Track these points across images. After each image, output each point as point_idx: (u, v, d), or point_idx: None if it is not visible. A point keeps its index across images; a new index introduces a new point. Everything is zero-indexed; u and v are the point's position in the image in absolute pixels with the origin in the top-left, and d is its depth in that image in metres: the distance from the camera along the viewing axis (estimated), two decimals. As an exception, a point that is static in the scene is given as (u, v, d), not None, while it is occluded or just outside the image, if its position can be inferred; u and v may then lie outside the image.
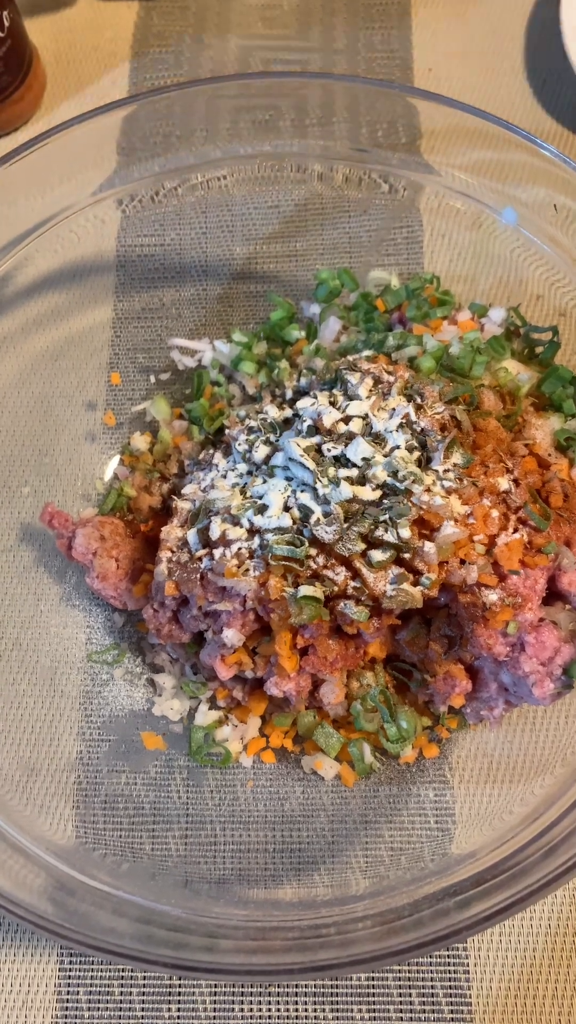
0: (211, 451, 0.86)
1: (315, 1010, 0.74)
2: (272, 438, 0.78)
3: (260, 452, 0.77)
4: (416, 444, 0.73)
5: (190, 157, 0.93)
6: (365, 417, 0.74)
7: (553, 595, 0.73)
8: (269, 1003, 0.74)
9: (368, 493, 0.70)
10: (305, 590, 0.70)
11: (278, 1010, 0.74)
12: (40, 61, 1.12)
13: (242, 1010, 0.74)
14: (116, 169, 0.91)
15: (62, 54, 1.16)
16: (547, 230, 0.84)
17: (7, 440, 0.89)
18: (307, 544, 0.71)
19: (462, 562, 0.70)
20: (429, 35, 1.15)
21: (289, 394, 0.83)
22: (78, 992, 0.75)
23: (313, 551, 0.71)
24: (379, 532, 0.69)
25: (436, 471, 0.72)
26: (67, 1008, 0.75)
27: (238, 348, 0.91)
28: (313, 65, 1.13)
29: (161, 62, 1.15)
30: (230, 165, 0.94)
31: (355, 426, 0.73)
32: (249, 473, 0.77)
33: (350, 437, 0.73)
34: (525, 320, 0.86)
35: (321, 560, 0.71)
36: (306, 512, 0.71)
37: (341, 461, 0.73)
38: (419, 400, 0.75)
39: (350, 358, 0.79)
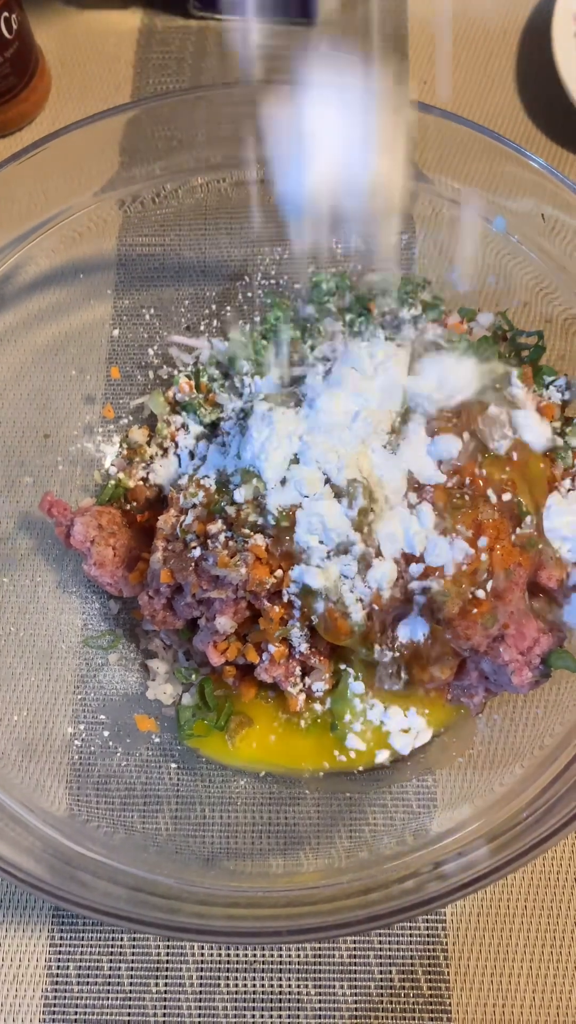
0: (206, 444, 0.89)
1: (298, 986, 0.77)
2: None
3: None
4: None
5: (191, 161, 0.95)
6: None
7: (533, 586, 0.76)
8: (254, 979, 0.77)
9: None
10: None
11: (262, 985, 0.77)
12: (46, 63, 1.15)
13: (227, 985, 0.77)
14: (118, 171, 0.94)
15: (67, 57, 1.19)
16: (535, 239, 0.87)
17: (8, 431, 0.92)
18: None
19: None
20: (424, 49, 1.18)
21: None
22: (68, 967, 0.78)
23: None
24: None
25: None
26: (57, 983, 0.77)
27: (235, 346, 0.93)
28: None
29: (164, 67, 1.18)
30: (229, 169, 0.96)
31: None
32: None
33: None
34: (512, 325, 0.89)
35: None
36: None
37: None
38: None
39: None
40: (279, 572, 0.75)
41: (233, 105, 0.94)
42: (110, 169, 0.93)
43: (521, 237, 0.88)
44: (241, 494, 0.76)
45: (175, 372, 0.96)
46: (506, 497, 0.72)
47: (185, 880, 0.68)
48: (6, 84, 1.08)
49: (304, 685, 0.79)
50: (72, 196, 0.92)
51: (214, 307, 0.99)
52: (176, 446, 0.92)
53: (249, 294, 0.99)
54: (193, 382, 0.94)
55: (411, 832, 0.74)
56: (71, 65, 1.19)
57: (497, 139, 0.85)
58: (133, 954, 0.78)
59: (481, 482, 0.72)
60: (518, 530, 0.73)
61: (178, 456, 0.91)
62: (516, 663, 0.73)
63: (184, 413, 0.93)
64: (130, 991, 0.77)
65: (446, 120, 0.88)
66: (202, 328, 0.98)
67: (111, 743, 0.81)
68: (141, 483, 0.92)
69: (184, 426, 0.93)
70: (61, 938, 0.78)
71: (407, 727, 0.78)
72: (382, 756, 0.78)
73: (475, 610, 0.70)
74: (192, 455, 0.90)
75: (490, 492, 0.72)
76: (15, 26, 1.05)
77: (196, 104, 0.91)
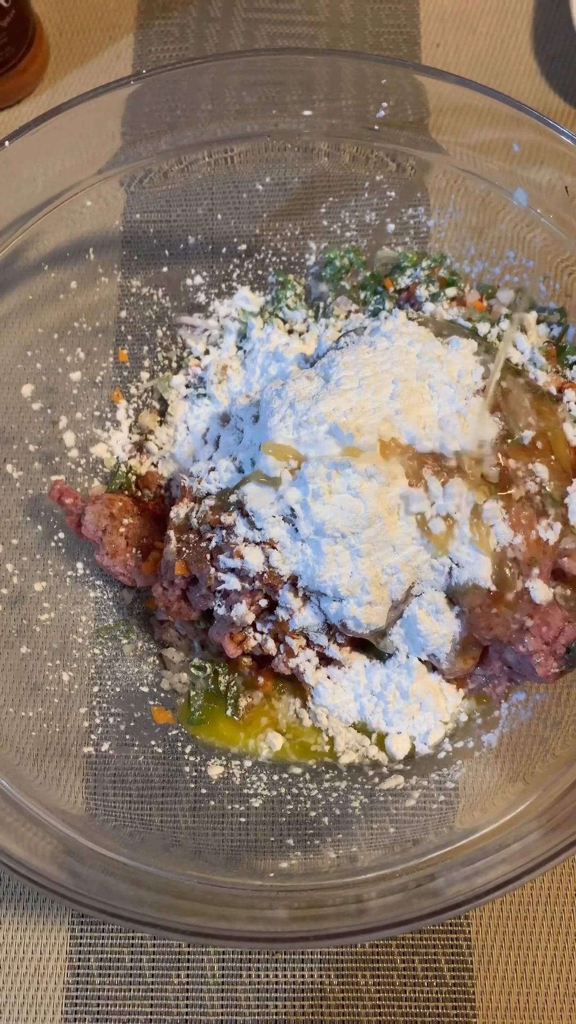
0: (219, 425, 0.87)
1: (320, 976, 0.76)
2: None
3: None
4: None
5: (196, 135, 0.92)
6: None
7: (557, 574, 0.74)
8: (275, 970, 0.76)
9: None
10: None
11: (284, 976, 0.76)
12: (44, 32, 1.11)
13: (249, 976, 0.76)
14: (122, 146, 0.91)
15: (65, 25, 1.15)
16: (557, 211, 0.84)
17: (15, 417, 0.89)
18: None
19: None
20: (436, 10, 1.14)
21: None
22: (89, 959, 0.77)
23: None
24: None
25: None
26: (78, 975, 0.77)
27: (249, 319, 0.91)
28: (319, 40, 1.12)
29: (166, 35, 1.14)
30: (236, 143, 0.93)
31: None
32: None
33: None
34: (533, 302, 0.86)
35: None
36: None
37: None
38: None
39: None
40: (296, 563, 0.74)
41: (239, 74, 0.91)
42: (113, 145, 0.90)
43: (543, 210, 0.85)
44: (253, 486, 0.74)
45: (185, 353, 0.94)
46: (532, 487, 0.70)
47: (207, 880, 0.67)
48: (3, 55, 1.05)
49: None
50: (75, 174, 0.89)
51: (224, 286, 0.96)
52: (188, 430, 0.90)
53: (260, 272, 0.96)
54: (204, 363, 0.92)
55: (434, 827, 0.73)
56: (70, 33, 1.15)
57: (517, 107, 0.82)
58: (154, 946, 0.77)
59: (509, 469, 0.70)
60: (543, 521, 0.71)
61: (190, 441, 0.89)
62: (541, 653, 0.71)
63: (196, 396, 0.91)
64: (152, 983, 0.76)
65: (462, 86, 0.85)
66: (211, 308, 0.95)
67: (128, 736, 0.80)
68: (152, 469, 0.90)
69: (195, 409, 0.90)
70: (82, 931, 0.78)
71: (424, 720, 0.76)
72: (401, 749, 0.76)
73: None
74: (205, 440, 0.88)
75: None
76: (11, -7, 1.01)
77: (200, 75, 0.88)
